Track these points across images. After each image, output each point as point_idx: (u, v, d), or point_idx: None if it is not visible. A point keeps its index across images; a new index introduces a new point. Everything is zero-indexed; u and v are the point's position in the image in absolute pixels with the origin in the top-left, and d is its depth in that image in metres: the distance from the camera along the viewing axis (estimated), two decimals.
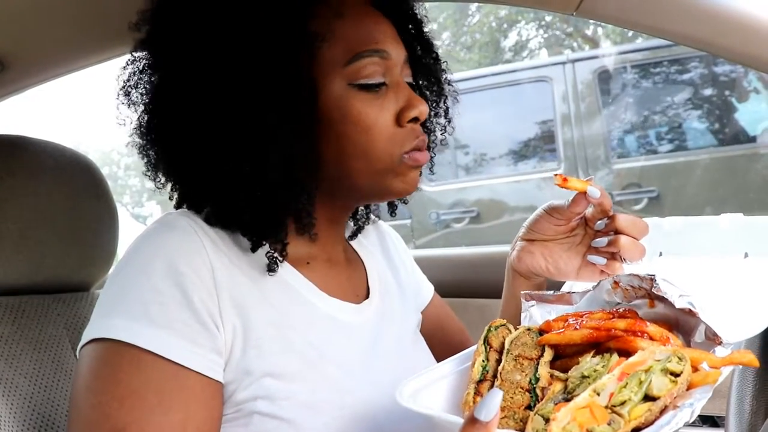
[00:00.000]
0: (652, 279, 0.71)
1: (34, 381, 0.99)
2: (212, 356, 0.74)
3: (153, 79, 0.85)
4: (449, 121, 1.04)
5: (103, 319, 0.73)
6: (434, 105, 1.02)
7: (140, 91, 0.86)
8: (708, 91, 4.27)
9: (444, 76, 1.02)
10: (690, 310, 0.67)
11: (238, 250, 0.82)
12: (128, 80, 0.87)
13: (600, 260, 0.90)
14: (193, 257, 0.76)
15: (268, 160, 0.77)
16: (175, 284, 0.73)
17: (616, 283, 0.77)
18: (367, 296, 0.97)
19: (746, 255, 0.87)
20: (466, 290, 1.74)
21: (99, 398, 0.69)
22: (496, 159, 4.88)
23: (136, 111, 0.87)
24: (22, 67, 1.26)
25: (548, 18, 8.89)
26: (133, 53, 0.87)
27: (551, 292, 0.85)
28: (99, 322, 0.73)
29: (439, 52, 1.01)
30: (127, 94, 0.87)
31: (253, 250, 0.81)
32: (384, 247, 1.13)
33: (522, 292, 0.88)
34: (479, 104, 4.63)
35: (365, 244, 1.08)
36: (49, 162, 1.08)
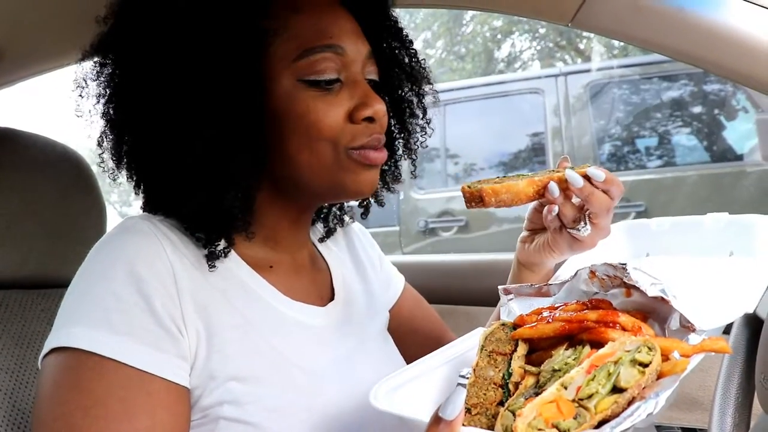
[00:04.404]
0: (623, 268, 0.72)
1: (15, 376, 0.98)
2: (177, 361, 0.72)
3: (108, 71, 0.85)
4: (428, 122, 1.02)
5: (63, 327, 0.72)
6: (411, 104, 0.99)
7: (97, 82, 0.85)
8: (697, 109, 4.31)
9: (422, 73, 0.99)
10: (662, 298, 0.68)
11: (199, 254, 0.81)
12: (87, 73, 0.86)
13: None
14: (154, 262, 0.75)
15: (209, 153, 0.76)
16: (137, 290, 0.72)
17: (593, 273, 0.77)
18: (331, 298, 0.97)
19: (731, 254, 0.88)
20: (455, 297, 1.75)
21: (62, 408, 0.68)
22: (486, 169, 4.89)
23: (93, 103, 0.86)
24: (15, 58, 1.25)
25: (542, 30, 8.96)
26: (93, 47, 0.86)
27: (529, 284, 0.85)
28: (60, 330, 0.72)
29: (431, 59, 1.00)
30: (83, 86, 0.86)
31: (205, 245, 0.80)
32: (350, 245, 1.12)
33: (500, 287, 0.88)
34: (470, 114, 4.64)
35: (330, 245, 1.07)
36: (37, 156, 1.08)
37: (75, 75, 0.87)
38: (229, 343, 0.77)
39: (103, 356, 0.69)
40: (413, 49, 0.98)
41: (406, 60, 0.97)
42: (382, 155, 0.86)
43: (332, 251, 1.07)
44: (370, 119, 0.84)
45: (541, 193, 0.83)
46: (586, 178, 0.82)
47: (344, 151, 0.83)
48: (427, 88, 1.01)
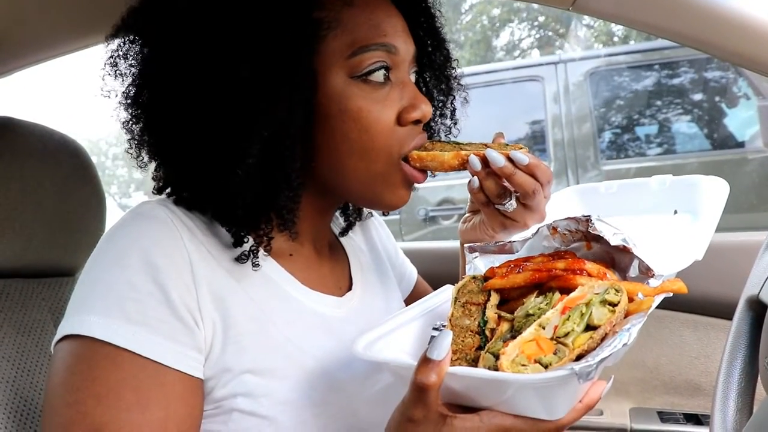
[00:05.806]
0: (587, 220, 0.75)
1: (17, 365, 0.98)
2: (192, 353, 0.72)
3: (144, 50, 0.81)
4: (455, 123, 1.01)
5: (77, 314, 0.70)
6: (440, 105, 0.99)
7: (129, 62, 0.81)
8: (698, 96, 4.30)
9: (454, 75, 0.99)
10: (624, 246, 0.72)
11: (217, 242, 0.79)
12: (117, 49, 0.82)
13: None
14: (171, 250, 0.73)
15: (255, 149, 0.73)
16: (152, 279, 0.70)
17: (554, 228, 0.80)
18: (349, 288, 0.96)
19: (676, 212, 0.93)
20: (455, 281, 1.77)
21: (75, 396, 0.67)
22: None
23: (123, 83, 0.82)
24: (13, 47, 1.24)
25: (541, 18, 8.92)
26: (125, 22, 0.81)
27: (493, 243, 0.87)
28: (73, 317, 0.71)
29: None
30: (115, 64, 0.82)
31: (235, 245, 0.78)
32: (368, 235, 1.12)
33: (465, 245, 0.89)
34: (470, 102, 4.61)
35: (350, 235, 1.07)
36: (36, 145, 1.07)
37: (107, 51, 0.82)
38: (245, 335, 0.75)
39: (118, 346, 0.68)
40: (447, 48, 0.97)
41: (441, 61, 0.96)
42: (424, 177, 0.87)
43: (352, 240, 1.06)
44: (417, 121, 0.84)
45: (466, 166, 0.86)
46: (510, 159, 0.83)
47: (397, 159, 0.83)
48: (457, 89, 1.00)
